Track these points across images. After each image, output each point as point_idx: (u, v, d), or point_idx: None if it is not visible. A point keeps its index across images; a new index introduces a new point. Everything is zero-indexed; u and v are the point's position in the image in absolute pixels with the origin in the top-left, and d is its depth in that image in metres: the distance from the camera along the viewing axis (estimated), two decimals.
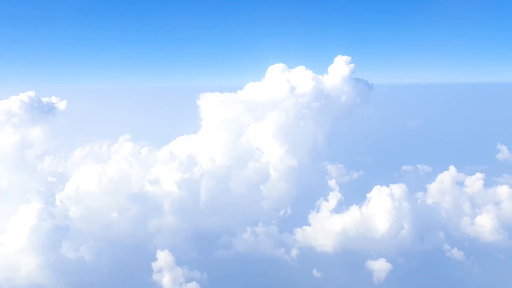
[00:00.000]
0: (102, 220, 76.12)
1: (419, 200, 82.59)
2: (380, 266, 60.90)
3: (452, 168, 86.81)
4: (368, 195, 72.82)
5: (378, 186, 72.18)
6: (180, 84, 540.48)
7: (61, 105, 78.73)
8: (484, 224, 73.61)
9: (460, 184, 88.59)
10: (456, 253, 66.75)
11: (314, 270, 62.70)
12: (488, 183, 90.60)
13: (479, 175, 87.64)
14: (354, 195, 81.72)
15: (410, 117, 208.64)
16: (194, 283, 55.87)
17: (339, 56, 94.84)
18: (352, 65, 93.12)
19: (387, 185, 73.95)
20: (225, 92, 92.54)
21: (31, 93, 74.13)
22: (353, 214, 70.75)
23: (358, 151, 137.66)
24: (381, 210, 69.00)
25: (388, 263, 60.99)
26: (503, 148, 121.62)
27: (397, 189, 72.91)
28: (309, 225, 73.53)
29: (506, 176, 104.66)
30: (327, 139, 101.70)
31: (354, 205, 72.20)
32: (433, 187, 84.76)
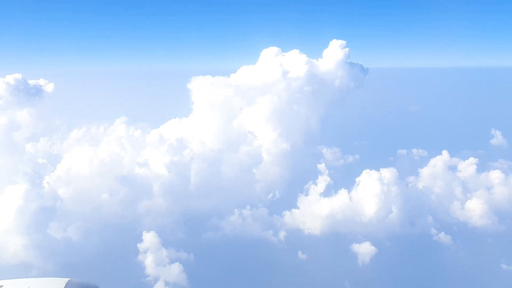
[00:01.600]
0: (92, 201, 76.42)
1: (410, 184, 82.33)
2: (365, 250, 60.94)
3: (445, 153, 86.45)
4: (357, 179, 72.63)
5: (368, 170, 72.02)
6: (176, 67, 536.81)
7: (49, 87, 78.67)
8: (474, 209, 73.31)
9: (453, 168, 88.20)
10: (444, 237, 66.62)
11: (300, 253, 62.84)
12: (483, 168, 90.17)
13: (472, 160, 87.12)
14: (347, 178, 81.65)
15: (410, 101, 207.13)
16: (177, 264, 56.11)
17: (334, 40, 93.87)
18: (346, 49, 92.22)
19: (382, 169, 73.92)
20: (218, 76, 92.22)
21: (17, 76, 74.05)
22: (341, 198, 70.66)
23: (355, 135, 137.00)
24: (370, 194, 68.88)
25: (373, 247, 61.00)
26: (497, 133, 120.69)
27: (387, 173, 72.71)
28: (298, 208, 73.56)
29: (501, 161, 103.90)
30: (321, 123, 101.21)
31: (342, 188, 71.97)
32: (425, 172, 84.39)
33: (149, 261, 57.10)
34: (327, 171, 77.99)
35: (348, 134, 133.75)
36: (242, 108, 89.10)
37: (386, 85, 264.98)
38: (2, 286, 7.21)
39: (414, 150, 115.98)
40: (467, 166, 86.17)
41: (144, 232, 62.53)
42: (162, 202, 75.94)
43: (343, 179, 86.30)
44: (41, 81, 77.88)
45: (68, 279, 7.43)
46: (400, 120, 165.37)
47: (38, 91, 76.24)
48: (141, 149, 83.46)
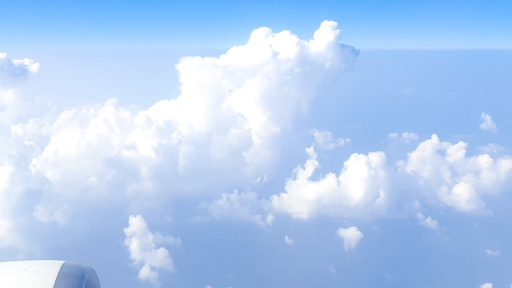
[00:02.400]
0: (80, 184, 76.06)
1: (399, 169, 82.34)
2: (351, 234, 61.12)
3: (434, 137, 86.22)
4: (345, 163, 72.49)
5: (355, 154, 71.84)
6: (167, 46, 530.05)
7: (34, 67, 77.40)
8: (461, 194, 73.54)
9: (442, 153, 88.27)
10: (430, 222, 66.89)
11: (286, 237, 62.97)
12: (473, 152, 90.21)
13: (461, 144, 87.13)
14: (337, 162, 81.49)
15: (402, 84, 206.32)
16: (162, 249, 56.07)
17: (326, 21, 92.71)
18: (337, 30, 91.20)
19: (370, 153, 73.79)
20: (208, 56, 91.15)
21: (1, 55, 72.69)
22: (328, 182, 70.61)
23: (347, 118, 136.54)
24: (357, 178, 68.84)
25: (359, 232, 61.20)
26: (487, 117, 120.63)
27: (375, 157, 72.54)
28: (286, 192, 73.54)
29: (491, 145, 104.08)
30: (312, 106, 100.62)
31: (330, 173, 71.87)
32: (413, 156, 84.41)
33: (134, 246, 57.08)
34: (315, 155, 77.82)
35: (340, 117, 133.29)
36: (231, 90, 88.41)
37: (378, 67, 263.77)
38: None
39: (405, 134, 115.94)
40: (456, 151, 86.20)
41: (130, 217, 62.32)
42: (151, 186, 75.70)
43: (333, 163, 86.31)
44: (26, 61, 76.67)
45: (63, 261, 7.38)
46: (392, 103, 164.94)
47: (23, 71, 75.20)
48: (130, 132, 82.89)
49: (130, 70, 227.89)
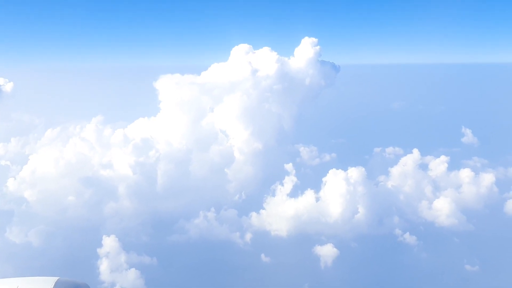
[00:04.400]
0: (58, 203, 75.22)
1: (381, 184, 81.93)
2: (327, 251, 60.38)
3: (415, 151, 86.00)
4: (323, 179, 72.04)
5: (334, 169, 71.41)
6: (152, 63, 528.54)
7: (7, 87, 77.07)
8: (441, 208, 73.04)
9: (424, 167, 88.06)
10: (409, 238, 66.21)
11: (263, 255, 62.17)
12: (457, 166, 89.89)
13: (443, 158, 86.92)
14: (320, 178, 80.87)
15: (391, 98, 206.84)
16: (133, 269, 55.12)
17: (306, 38, 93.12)
18: (318, 47, 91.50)
19: (350, 168, 73.45)
20: (190, 73, 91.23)
21: None
22: (307, 198, 70.05)
23: (334, 133, 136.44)
24: (335, 194, 68.31)
25: (335, 249, 60.43)
26: (468, 131, 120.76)
27: (354, 172, 72.13)
28: (265, 209, 72.89)
29: (475, 159, 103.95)
30: (295, 121, 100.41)
31: (309, 189, 71.37)
32: (395, 171, 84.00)
33: (104, 267, 56.12)
34: (294, 171, 77.24)
35: (326, 132, 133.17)
36: (212, 107, 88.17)
37: (363, 82, 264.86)
38: None
39: (390, 148, 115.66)
40: (438, 165, 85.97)
41: (104, 236, 61.43)
42: (129, 204, 74.89)
43: (316, 178, 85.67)
44: (1, 80, 76.28)
45: (57, 278, 7.15)
46: (381, 117, 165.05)
47: None
48: (108, 150, 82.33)
49: (116, 87, 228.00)
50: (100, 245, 61.99)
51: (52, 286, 6.86)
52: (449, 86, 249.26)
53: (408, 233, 66.63)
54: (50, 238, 64.98)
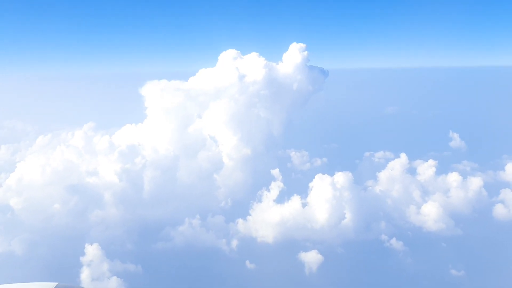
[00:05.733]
0: (44, 211, 74.59)
1: (369, 188, 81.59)
2: (311, 258, 59.91)
3: (403, 156, 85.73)
4: (310, 184, 71.69)
5: (320, 174, 71.09)
6: (139, 69, 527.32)
7: None
8: (429, 213, 72.67)
9: (413, 171, 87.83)
10: (395, 243, 65.78)
11: (248, 262, 61.69)
12: (446, 170, 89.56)
13: (431, 162, 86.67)
14: (309, 183, 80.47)
15: (383, 102, 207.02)
16: (114, 277, 54.60)
17: (294, 43, 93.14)
18: (305, 52, 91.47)
19: (337, 173, 73.15)
20: (178, 79, 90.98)
21: None
22: (293, 204, 69.66)
23: (325, 138, 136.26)
24: (321, 200, 67.95)
25: (320, 255, 59.99)
26: (455, 135, 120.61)
27: (341, 177, 71.78)
28: (251, 215, 72.50)
29: (465, 162, 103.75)
30: (285, 127, 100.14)
31: (295, 194, 71.00)
32: (383, 175, 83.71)
33: (84, 276, 55.59)
34: (280, 177, 76.77)
35: (318, 137, 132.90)
36: (200, 112, 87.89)
37: (355, 86, 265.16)
38: None
39: (380, 153, 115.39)
40: (426, 169, 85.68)
41: (86, 245, 60.92)
42: (115, 212, 74.35)
43: (306, 183, 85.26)
44: None
45: (56, 283, 6.91)
46: (373, 121, 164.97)
47: None
48: (95, 157, 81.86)
49: (108, 94, 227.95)
50: (84, 254, 61.55)
51: None
52: (441, 90, 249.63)
53: (394, 238, 66.22)
54: (33, 246, 64.44)
